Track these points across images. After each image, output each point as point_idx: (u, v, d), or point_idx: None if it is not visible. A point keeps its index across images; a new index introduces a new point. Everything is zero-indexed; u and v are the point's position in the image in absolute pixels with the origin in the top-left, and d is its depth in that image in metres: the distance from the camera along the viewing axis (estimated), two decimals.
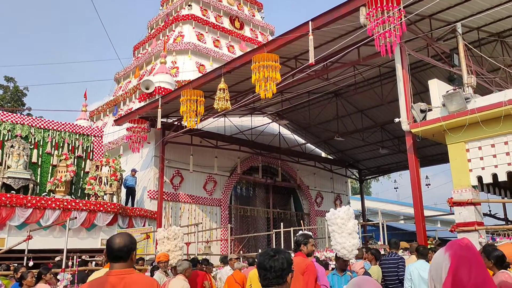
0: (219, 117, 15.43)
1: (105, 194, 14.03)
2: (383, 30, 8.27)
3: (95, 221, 13.15)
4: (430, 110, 8.60)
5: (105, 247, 4.40)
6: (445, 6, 9.85)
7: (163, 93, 15.41)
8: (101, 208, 13.26)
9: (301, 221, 16.91)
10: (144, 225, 14.42)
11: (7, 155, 13.70)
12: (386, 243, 10.09)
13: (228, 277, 8.16)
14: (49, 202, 12.63)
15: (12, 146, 13.81)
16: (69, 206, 12.80)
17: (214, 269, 9.82)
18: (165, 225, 14.79)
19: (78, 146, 15.46)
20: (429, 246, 7.46)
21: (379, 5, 8.38)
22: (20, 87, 32.39)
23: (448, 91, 8.17)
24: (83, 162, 15.44)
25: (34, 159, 14.30)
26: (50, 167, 14.66)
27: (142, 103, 15.94)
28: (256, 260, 7.53)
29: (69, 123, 15.72)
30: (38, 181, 14.22)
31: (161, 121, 13.63)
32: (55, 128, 15.13)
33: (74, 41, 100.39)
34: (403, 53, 9.14)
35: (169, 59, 19.31)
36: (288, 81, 11.90)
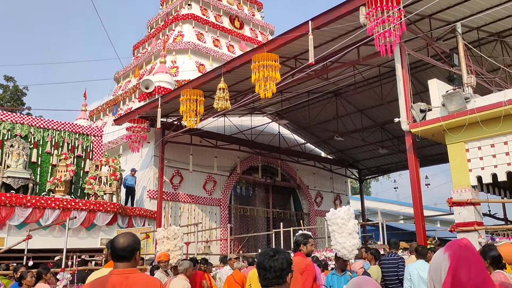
0: (219, 116, 15.43)
1: (105, 193, 14.03)
2: (383, 29, 8.27)
3: (95, 220, 13.15)
4: (429, 110, 8.60)
5: (104, 246, 4.40)
6: (445, 6, 9.85)
7: (163, 92, 15.40)
8: (101, 208, 13.26)
9: (301, 221, 16.92)
10: (143, 225, 14.42)
11: (7, 154, 13.70)
12: (386, 243, 10.10)
13: (227, 276, 8.17)
14: (49, 202, 12.63)
15: (11, 146, 13.81)
16: (69, 206, 12.80)
17: (213, 268, 9.82)
18: (164, 225, 14.79)
19: (78, 145, 15.46)
20: (428, 246, 7.45)
21: (379, 4, 8.38)
22: (20, 87, 32.42)
23: (447, 91, 8.17)
24: (83, 162, 15.44)
25: (33, 159, 14.30)
26: (50, 167, 14.66)
27: (142, 103, 15.94)
28: (255, 260, 7.53)
29: (68, 123, 15.72)
30: (38, 180, 14.22)
31: (161, 121, 13.63)
32: (54, 127, 15.13)
33: (73, 40, 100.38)
34: (403, 52, 9.14)
35: (168, 58, 19.31)
36: (288, 81, 11.89)
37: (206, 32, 21.68)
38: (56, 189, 13.94)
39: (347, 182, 23.53)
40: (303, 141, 20.59)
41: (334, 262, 7.05)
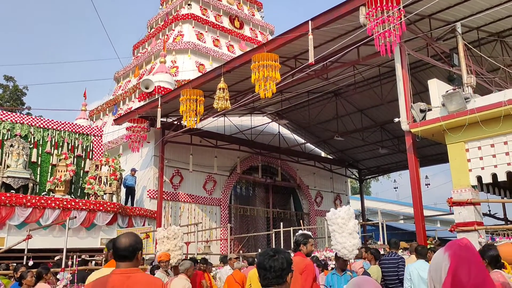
0: (219, 116, 15.43)
1: (105, 193, 14.03)
2: (383, 29, 8.27)
3: (95, 220, 13.15)
4: (429, 110, 8.60)
5: (104, 246, 4.40)
6: (445, 6, 9.85)
7: (163, 92, 15.41)
8: (101, 208, 13.26)
9: (301, 221, 16.92)
10: (143, 225, 14.42)
11: (7, 154, 13.69)
12: (386, 243, 10.10)
13: (227, 276, 8.17)
14: (49, 202, 12.63)
15: (11, 146, 13.80)
16: (69, 206, 12.80)
17: (213, 268, 9.82)
18: (164, 225, 14.79)
19: (78, 145, 15.46)
20: (428, 246, 7.46)
21: (378, 4, 8.38)
22: (20, 86, 32.42)
23: (447, 91, 8.17)
24: (83, 162, 15.44)
25: (33, 159, 14.30)
26: (50, 167, 14.66)
27: (142, 103, 15.94)
28: (255, 259, 7.53)
29: (68, 123, 15.71)
30: (38, 180, 14.22)
31: (161, 121, 13.63)
32: (54, 127, 15.12)
33: (73, 40, 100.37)
34: (403, 52, 9.14)
35: (168, 58, 19.31)
36: (288, 81, 11.89)
37: (206, 32, 21.68)
38: (56, 189, 13.94)
39: (347, 182, 23.54)
40: (303, 141, 20.59)
41: (334, 262, 7.05)
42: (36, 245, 11.49)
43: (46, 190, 14.07)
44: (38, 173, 14.37)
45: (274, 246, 15.33)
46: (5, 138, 13.99)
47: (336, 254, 5.66)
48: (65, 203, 12.80)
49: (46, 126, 14.94)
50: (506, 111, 7.44)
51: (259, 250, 12.97)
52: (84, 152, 15.52)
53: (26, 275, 6.12)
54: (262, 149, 18.72)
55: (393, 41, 8.31)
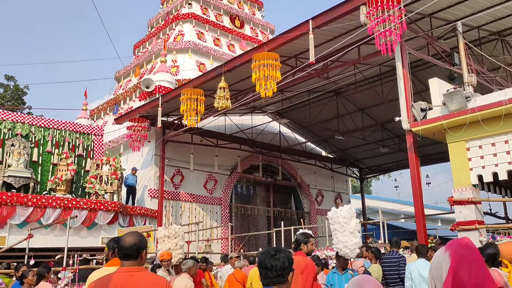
0: (220, 116, 15.43)
1: (106, 192, 14.05)
2: (384, 29, 8.27)
3: (96, 219, 13.17)
4: (430, 109, 8.60)
5: (105, 245, 4.42)
6: (446, 4, 9.84)
7: (164, 91, 15.41)
8: (102, 207, 13.27)
9: (302, 220, 16.92)
10: (144, 224, 14.42)
11: (8, 153, 13.71)
12: (387, 241, 10.11)
13: (228, 275, 8.17)
14: (50, 201, 12.65)
15: (12, 145, 13.82)
16: (70, 205, 12.81)
17: (214, 267, 9.83)
18: (165, 224, 14.80)
19: (79, 144, 15.46)
20: (429, 245, 7.47)
21: (379, 3, 8.37)
22: (21, 86, 32.43)
23: (448, 90, 8.17)
24: (84, 161, 15.44)
25: (34, 158, 14.31)
26: (51, 166, 14.66)
27: (143, 102, 15.95)
28: (256, 258, 7.54)
29: (69, 122, 15.72)
30: (39, 179, 14.22)
31: (162, 120, 13.63)
32: (55, 126, 15.12)
33: (74, 40, 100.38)
34: (404, 52, 9.14)
35: (169, 57, 19.31)
36: (289, 80, 11.88)
37: (207, 31, 21.68)
38: (57, 188, 13.95)
39: (347, 181, 23.53)
40: (303, 140, 20.58)
41: (335, 261, 7.06)
42: (37, 244, 11.50)
43: (47, 190, 14.08)
44: (39, 172, 14.38)
45: (275, 245, 15.36)
46: (6, 137, 14.00)
47: (337, 253, 5.66)
48: (66, 202, 12.82)
49: (47, 126, 14.95)
50: (507, 110, 7.44)
51: (260, 249, 12.98)
52: (85, 151, 15.53)
53: (27, 274, 6.14)
54: (263, 148, 18.72)
55: (393, 40, 8.31)
